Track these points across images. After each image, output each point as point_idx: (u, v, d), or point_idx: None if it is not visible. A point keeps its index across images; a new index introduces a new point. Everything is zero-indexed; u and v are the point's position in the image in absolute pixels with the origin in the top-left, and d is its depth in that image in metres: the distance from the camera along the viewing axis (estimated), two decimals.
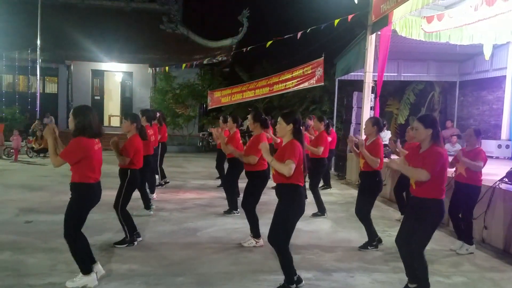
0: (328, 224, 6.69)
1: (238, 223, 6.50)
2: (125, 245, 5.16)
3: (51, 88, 22.10)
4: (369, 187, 5.34)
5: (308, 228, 6.26)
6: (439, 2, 9.37)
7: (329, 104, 16.51)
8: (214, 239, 5.63)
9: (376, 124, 5.34)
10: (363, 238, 5.58)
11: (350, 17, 11.53)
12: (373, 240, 5.38)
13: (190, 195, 8.88)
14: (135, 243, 5.23)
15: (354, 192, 9.52)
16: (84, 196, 3.96)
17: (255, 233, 5.39)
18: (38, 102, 18.58)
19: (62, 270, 4.34)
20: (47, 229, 5.78)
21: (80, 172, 3.87)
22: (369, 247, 5.34)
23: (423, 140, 3.79)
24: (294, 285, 3.93)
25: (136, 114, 5.92)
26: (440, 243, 5.61)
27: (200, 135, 21.47)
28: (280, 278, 4.10)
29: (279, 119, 4.01)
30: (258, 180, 5.43)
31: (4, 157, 14.41)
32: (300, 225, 4.27)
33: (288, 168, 3.73)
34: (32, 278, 4.10)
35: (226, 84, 20.39)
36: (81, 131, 3.83)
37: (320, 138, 7.33)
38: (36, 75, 18.63)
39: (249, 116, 5.63)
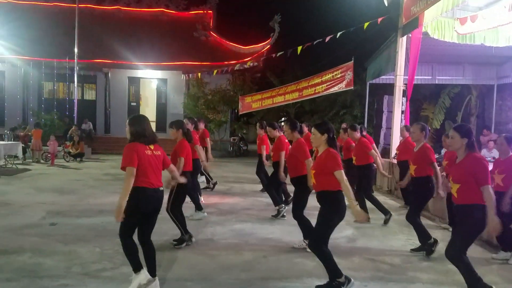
0: (349, 230, 6.51)
1: (256, 228, 6.47)
2: (184, 244, 5.42)
3: (90, 95, 22.86)
4: (422, 192, 5.41)
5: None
6: (470, 3, 9.04)
7: (360, 108, 16.22)
8: (229, 245, 5.61)
9: (424, 129, 5.51)
10: (384, 246, 5.44)
11: (380, 19, 11.31)
12: (425, 243, 5.30)
13: (213, 200, 8.90)
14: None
15: (383, 199, 9.33)
16: (134, 199, 3.89)
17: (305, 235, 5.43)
18: (75, 108, 19.25)
19: (76, 272, 4.43)
20: (70, 231, 5.95)
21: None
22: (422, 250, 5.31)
23: (458, 149, 3.87)
24: (343, 278, 3.99)
25: (180, 121, 6.04)
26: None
27: (231, 140, 21.60)
28: (291, 285, 4.04)
29: (313, 130, 4.22)
30: (302, 185, 5.45)
31: (42, 161, 15.01)
32: None
33: (345, 181, 3.94)
34: (46, 279, 4.20)
35: (257, 90, 20.45)
36: (136, 138, 3.99)
37: (365, 144, 7.22)
38: (74, 82, 19.31)
39: (285, 127, 5.93)
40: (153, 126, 23.18)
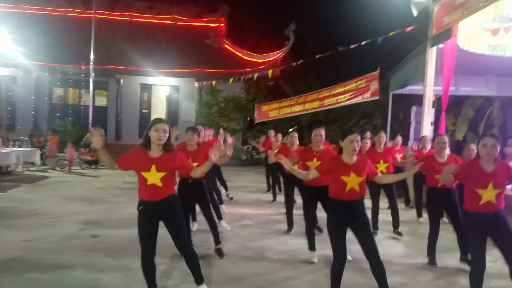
0: (398, 247, 6.30)
1: (301, 243, 6.22)
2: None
3: (101, 101, 22.62)
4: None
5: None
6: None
7: (380, 118, 16.06)
8: (286, 261, 5.36)
9: None
10: (443, 264, 5.24)
11: (409, 29, 11.20)
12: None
13: (246, 210, 8.71)
14: None
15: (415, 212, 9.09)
16: None
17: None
18: (90, 114, 19.05)
19: None
20: (115, 244, 5.74)
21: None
22: None
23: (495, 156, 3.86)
24: None
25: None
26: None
27: (245, 149, 21.40)
28: None
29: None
30: None
31: (57, 168, 14.78)
32: None
33: None
34: None
35: (270, 98, 20.27)
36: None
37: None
38: (88, 88, 19.15)
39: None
40: None
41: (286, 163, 3.99)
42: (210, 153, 3.81)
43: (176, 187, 4.17)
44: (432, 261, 5.31)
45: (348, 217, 3.90)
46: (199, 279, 3.95)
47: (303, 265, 5.21)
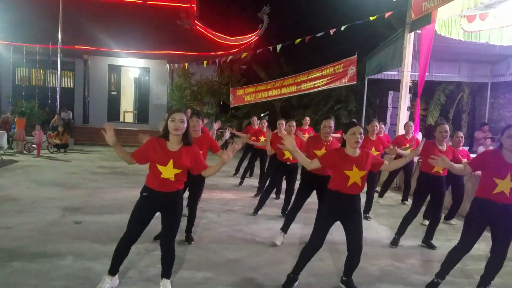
0: (385, 231, 6.39)
1: (293, 228, 6.19)
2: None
3: (68, 82, 21.75)
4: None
5: (366, 236, 5.96)
6: (488, 2, 9.03)
7: (355, 103, 16.19)
8: (279, 246, 5.34)
9: None
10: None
11: (387, 14, 11.25)
12: None
13: (228, 195, 8.62)
14: None
15: (395, 196, 9.32)
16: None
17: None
18: (58, 96, 18.31)
19: (135, 277, 4.09)
20: (101, 231, 5.53)
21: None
22: None
23: None
24: None
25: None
26: None
27: (218, 133, 21.16)
28: None
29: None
30: None
31: (25, 152, 14.18)
32: None
33: None
34: None
35: (244, 82, 20.08)
36: None
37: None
38: (55, 69, 18.43)
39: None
40: (132, 117, 22.53)
41: (290, 144, 3.90)
42: (223, 154, 3.62)
43: None
44: (395, 242, 5.49)
45: (343, 211, 3.88)
46: (167, 274, 3.82)
47: (298, 248, 5.18)
